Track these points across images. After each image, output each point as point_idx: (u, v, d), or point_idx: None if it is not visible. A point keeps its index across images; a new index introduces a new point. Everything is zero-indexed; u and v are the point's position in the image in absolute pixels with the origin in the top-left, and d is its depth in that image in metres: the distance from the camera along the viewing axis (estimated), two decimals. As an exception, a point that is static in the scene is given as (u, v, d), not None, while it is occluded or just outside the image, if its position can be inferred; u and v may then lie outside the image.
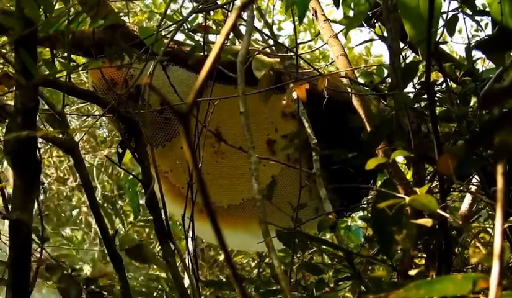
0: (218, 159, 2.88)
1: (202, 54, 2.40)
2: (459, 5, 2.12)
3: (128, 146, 2.05)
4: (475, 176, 2.35)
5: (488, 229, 2.94)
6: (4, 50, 1.95)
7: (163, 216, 1.92)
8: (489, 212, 2.75)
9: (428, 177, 2.36)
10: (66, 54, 1.82)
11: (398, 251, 1.80)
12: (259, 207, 1.18)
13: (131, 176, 3.70)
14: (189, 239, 2.45)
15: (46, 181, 5.36)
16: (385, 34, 2.01)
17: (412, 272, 1.53)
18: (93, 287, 1.96)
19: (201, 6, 2.16)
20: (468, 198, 2.74)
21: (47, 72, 1.54)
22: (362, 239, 3.16)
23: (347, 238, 3.93)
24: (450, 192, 2.52)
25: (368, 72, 2.59)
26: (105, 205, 4.52)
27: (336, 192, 2.82)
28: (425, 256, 1.78)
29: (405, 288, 0.71)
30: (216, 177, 2.87)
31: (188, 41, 2.60)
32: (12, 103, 1.62)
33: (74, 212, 5.70)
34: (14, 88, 1.51)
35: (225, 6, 2.70)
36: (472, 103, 2.04)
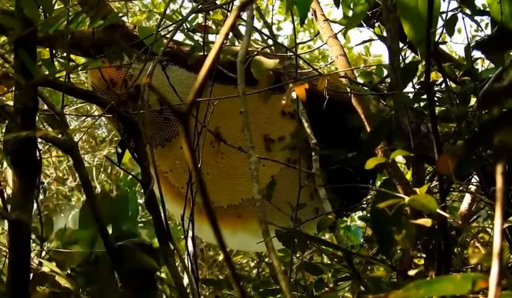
0: (218, 159, 2.88)
1: (201, 54, 2.40)
2: (458, 5, 2.12)
3: (127, 146, 2.05)
4: (475, 176, 2.35)
5: (488, 229, 2.94)
6: (3, 50, 1.95)
7: (162, 216, 1.92)
8: (489, 212, 2.76)
9: (428, 177, 2.36)
10: (65, 54, 1.82)
11: (398, 251, 1.80)
12: (259, 207, 1.17)
13: (130, 176, 3.70)
14: (189, 239, 2.45)
15: (45, 181, 5.35)
16: (385, 34, 2.01)
17: (411, 272, 1.53)
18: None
19: (200, 6, 2.16)
20: (467, 198, 2.74)
21: (46, 73, 1.54)
22: (362, 240, 3.16)
23: (346, 238, 3.93)
24: (449, 192, 2.52)
25: (367, 72, 2.59)
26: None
27: (336, 192, 2.83)
28: (424, 256, 1.78)
29: (405, 288, 0.71)
30: (216, 177, 2.87)
31: (188, 41, 2.60)
32: (11, 103, 1.62)
33: (74, 212, 5.69)
34: (14, 88, 1.51)
35: (224, 6, 2.70)
36: (471, 103, 2.04)
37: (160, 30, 1.98)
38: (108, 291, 2.02)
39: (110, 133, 5.30)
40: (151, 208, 1.90)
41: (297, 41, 2.84)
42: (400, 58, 2.04)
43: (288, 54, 2.64)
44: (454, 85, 2.25)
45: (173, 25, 2.18)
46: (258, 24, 5.64)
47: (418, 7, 1.89)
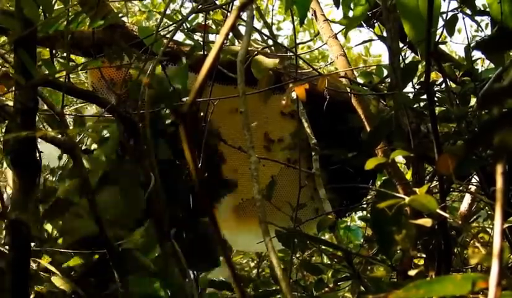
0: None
1: (201, 53, 2.40)
2: (459, 5, 2.11)
3: (127, 146, 2.05)
4: (475, 176, 2.35)
5: (488, 229, 2.94)
6: (3, 50, 1.95)
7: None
8: (489, 212, 2.76)
9: (428, 177, 2.36)
10: (65, 54, 1.82)
11: (398, 251, 1.80)
12: (259, 207, 1.17)
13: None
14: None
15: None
16: (385, 34, 2.01)
17: (411, 272, 1.53)
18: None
19: (200, 6, 2.15)
20: (467, 198, 2.75)
21: (46, 72, 1.54)
22: (362, 239, 3.17)
23: (346, 238, 3.93)
24: (449, 192, 2.52)
25: (367, 73, 2.59)
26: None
27: (336, 192, 2.83)
28: (424, 256, 1.78)
29: (405, 289, 0.71)
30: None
31: (188, 41, 2.60)
32: (11, 103, 1.61)
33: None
34: (14, 88, 1.51)
35: (224, 6, 2.70)
36: (471, 104, 2.04)
37: (160, 30, 1.98)
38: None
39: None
40: (151, 208, 1.90)
41: (297, 41, 2.84)
42: (400, 58, 2.04)
43: (288, 54, 2.64)
44: (454, 85, 2.25)
45: (173, 25, 2.18)
46: (258, 24, 5.65)
47: (418, 7, 1.89)
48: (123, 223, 2.15)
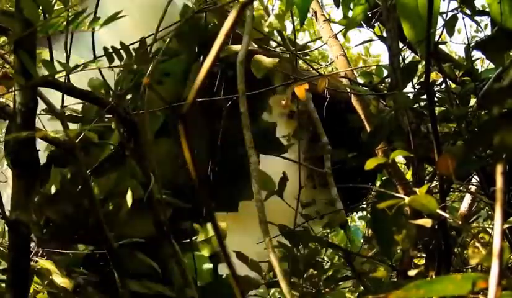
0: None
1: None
2: (458, 5, 2.11)
3: (127, 146, 2.05)
4: (475, 176, 2.35)
5: (488, 229, 2.94)
6: (3, 51, 1.96)
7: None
8: (489, 212, 2.76)
9: (428, 177, 2.36)
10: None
11: (398, 251, 1.80)
12: (259, 207, 1.18)
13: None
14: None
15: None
16: (385, 34, 2.01)
17: (412, 272, 1.53)
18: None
19: (200, 6, 2.15)
20: (467, 198, 2.74)
21: (46, 73, 1.54)
22: (362, 240, 3.17)
23: (346, 238, 3.93)
24: (449, 192, 2.52)
25: (367, 73, 2.59)
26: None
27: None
28: (424, 256, 1.78)
29: (405, 288, 0.71)
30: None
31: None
32: (11, 103, 1.61)
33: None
34: (14, 89, 1.51)
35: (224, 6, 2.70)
36: (471, 104, 2.04)
37: (160, 30, 1.98)
38: None
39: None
40: (150, 208, 1.90)
41: (297, 41, 2.84)
42: (400, 58, 2.04)
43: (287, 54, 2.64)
44: (453, 85, 2.24)
45: (173, 25, 2.17)
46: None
47: (418, 7, 1.89)
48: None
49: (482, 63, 2.92)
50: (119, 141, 2.12)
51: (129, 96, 2.12)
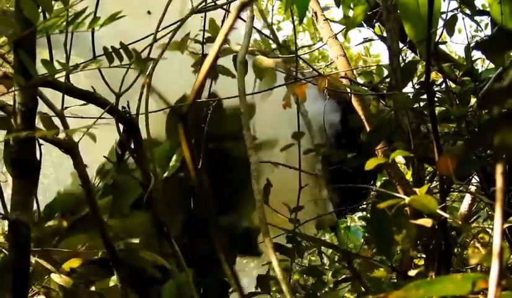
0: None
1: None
2: (458, 5, 2.11)
3: (127, 146, 2.05)
4: (475, 176, 2.35)
5: (488, 229, 2.94)
6: (3, 51, 1.95)
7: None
8: (489, 212, 2.76)
9: (428, 177, 2.36)
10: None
11: (398, 252, 1.80)
12: (258, 208, 1.17)
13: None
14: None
15: (45, 181, 5.34)
16: (385, 34, 2.01)
17: (411, 273, 1.53)
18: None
19: (200, 6, 2.15)
20: (467, 198, 2.74)
21: (46, 73, 1.54)
22: (362, 240, 3.17)
23: (346, 238, 3.93)
24: (449, 193, 2.52)
25: (367, 73, 2.59)
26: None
27: (337, 192, 2.82)
28: (424, 256, 1.78)
29: (405, 289, 0.71)
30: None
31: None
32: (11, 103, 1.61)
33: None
34: (13, 88, 1.51)
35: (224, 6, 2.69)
36: (471, 104, 2.04)
37: (160, 30, 1.98)
38: None
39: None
40: (150, 208, 1.90)
41: (297, 41, 2.84)
42: (400, 58, 2.04)
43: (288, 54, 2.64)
44: (453, 85, 2.25)
45: (173, 25, 2.17)
46: (258, 24, 5.63)
47: (418, 7, 1.89)
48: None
49: (482, 63, 2.92)
50: (118, 141, 2.12)
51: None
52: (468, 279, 0.70)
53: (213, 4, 2.23)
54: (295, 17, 2.45)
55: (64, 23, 1.48)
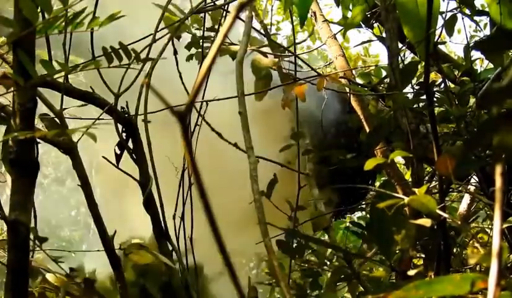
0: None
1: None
2: (458, 5, 2.12)
3: (126, 146, 2.05)
4: (474, 177, 2.35)
5: (487, 229, 2.94)
6: (2, 51, 1.95)
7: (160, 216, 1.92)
8: (488, 212, 2.76)
9: (427, 177, 2.36)
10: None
11: (397, 252, 1.80)
12: (257, 208, 1.17)
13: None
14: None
15: (44, 181, 5.35)
16: (384, 34, 2.01)
17: (411, 273, 1.53)
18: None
19: (200, 6, 2.15)
20: (466, 198, 2.74)
21: (45, 73, 1.54)
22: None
23: (346, 238, 3.93)
24: (448, 193, 2.52)
25: (367, 73, 2.59)
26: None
27: (336, 192, 2.82)
28: (424, 256, 1.78)
29: (404, 289, 0.71)
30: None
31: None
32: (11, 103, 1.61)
33: (73, 213, 5.70)
34: (13, 89, 1.51)
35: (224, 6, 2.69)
36: (470, 104, 2.04)
37: (159, 30, 1.98)
38: None
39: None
40: (149, 208, 1.90)
41: (296, 41, 2.84)
42: (399, 58, 2.04)
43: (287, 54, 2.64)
44: (453, 85, 2.25)
45: (173, 25, 2.17)
46: (257, 25, 5.62)
47: (418, 7, 1.89)
48: None
49: (481, 63, 2.92)
50: (118, 141, 2.12)
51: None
52: (467, 279, 0.70)
53: (212, 4, 2.23)
54: (294, 17, 2.45)
55: (63, 23, 1.48)
